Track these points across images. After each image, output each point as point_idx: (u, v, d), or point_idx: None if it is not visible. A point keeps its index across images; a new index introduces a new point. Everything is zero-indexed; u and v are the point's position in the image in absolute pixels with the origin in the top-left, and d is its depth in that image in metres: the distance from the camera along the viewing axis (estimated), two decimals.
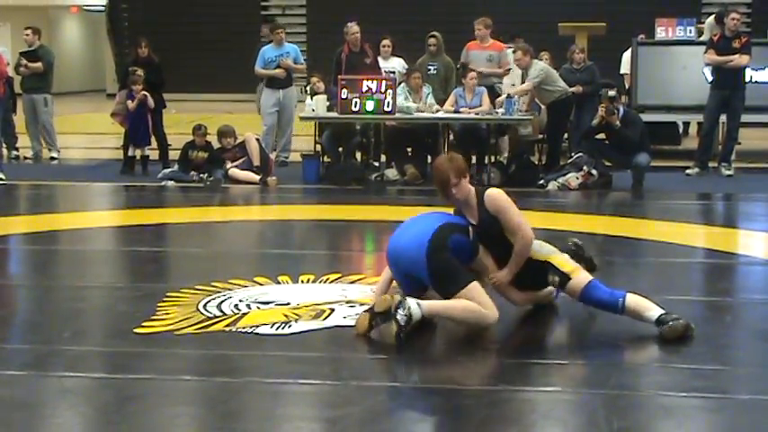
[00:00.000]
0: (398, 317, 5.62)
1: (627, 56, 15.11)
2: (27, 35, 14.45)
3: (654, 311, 5.89)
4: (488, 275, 6.15)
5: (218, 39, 22.55)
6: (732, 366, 5.54)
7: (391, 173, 12.45)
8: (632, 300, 5.95)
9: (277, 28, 14.07)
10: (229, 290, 6.80)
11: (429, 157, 12.82)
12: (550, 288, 6.18)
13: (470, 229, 6.10)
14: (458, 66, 13.23)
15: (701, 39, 14.32)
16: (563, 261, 6.07)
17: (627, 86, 14.74)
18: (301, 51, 14.18)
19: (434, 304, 5.83)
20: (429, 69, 13.06)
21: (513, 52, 12.53)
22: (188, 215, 10.30)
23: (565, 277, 5.99)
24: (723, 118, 12.95)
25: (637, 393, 5.03)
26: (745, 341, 6.14)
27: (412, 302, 5.70)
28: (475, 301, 5.79)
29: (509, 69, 13.20)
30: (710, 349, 5.77)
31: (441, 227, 5.98)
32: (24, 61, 14.22)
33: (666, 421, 4.66)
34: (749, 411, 4.76)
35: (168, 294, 6.67)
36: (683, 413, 4.73)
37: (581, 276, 6.00)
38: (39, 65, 14.20)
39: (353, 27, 13.00)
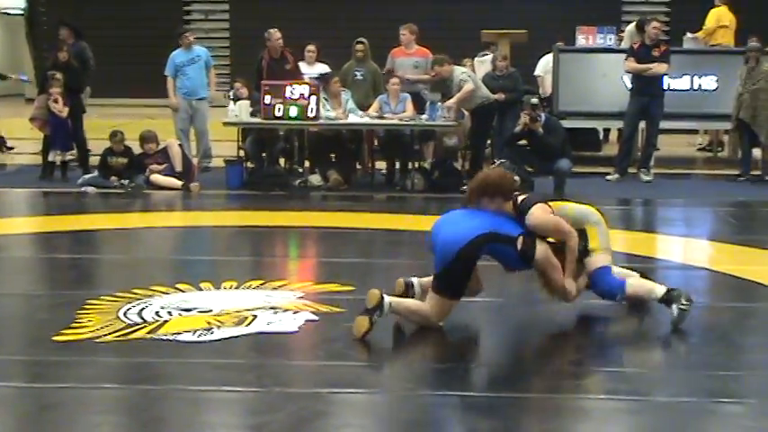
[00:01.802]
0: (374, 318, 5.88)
1: (544, 60, 15.25)
2: None
3: (658, 290, 6.33)
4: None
5: (141, 43, 22.35)
6: (651, 369, 5.62)
7: (315, 179, 12.43)
8: (631, 289, 6.38)
9: (184, 32, 13.94)
10: (150, 297, 6.74)
11: (357, 164, 12.89)
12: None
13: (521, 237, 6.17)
14: (384, 72, 13.25)
15: (622, 46, 14.52)
16: (595, 235, 6.37)
17: (540, 89, 14.83)
18: (225, 56, 14.09)
19: (399, 300, 6.12)
20: (356, 75, 13.07)
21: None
22: (108, 221, 10.18)
23: (585, 251, 6.33)
24: (642, 125, 13.15)
25: (555, 396, 5.08)
26: (664, 344, 6.24)
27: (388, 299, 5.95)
28: (433, 309, 6.03)
29: (435, 75, 13.21)
30: (629, 352, 5.85)
31: (482, 236, 6.04)
32: None
33: (586, 423, 4.72)
34: (668, 413, 4.84)
35: (88, 302, 6.59)
36: (601, 416, 4.80)
37: (599, 257, 6.34)
38: None
39: (276, 33, 12.94)
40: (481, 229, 6.03)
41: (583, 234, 6.37)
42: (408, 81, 12.80)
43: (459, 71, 12.17)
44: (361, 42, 13.18)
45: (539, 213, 6.24)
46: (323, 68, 13.27)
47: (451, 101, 11.88)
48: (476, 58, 14.92)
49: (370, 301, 5.93)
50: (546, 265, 6.18)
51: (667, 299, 6.27)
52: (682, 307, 6.18)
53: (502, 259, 6.21)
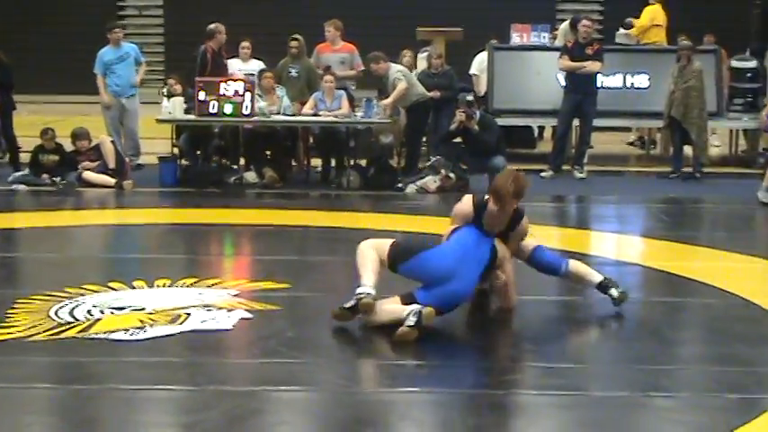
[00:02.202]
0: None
1: (478, 58, 15.30)
2: None
3: (595, 277, 6.60)
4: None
5: (74, 39, 22.08)
6: (585, 364, 5.68)
7: (250, 176, 12.35)
8: (575, 265, 6.63)
9: (113, 27, 13.78)
10: (82, 296, 6.65)
11: (292, 161, 12.85)
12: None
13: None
14: (320, 69, 13.21)
15: (556, 44, 14.62)
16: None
17: (475, 87, 14.88)
18: (159, 53, 13.96)
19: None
20: (290, 72, 13.01)
21: None
22: (40, 220, 10.04)
23: None
24: (576, 122, 13.25)
25: (491, 392, 5.11)
26: (597, 340, 6.31)
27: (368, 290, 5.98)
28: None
29: (363, 71, 13.19)
30: (564, 348, 5.90)
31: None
32: None
33: (520, 418, 4.75)
34: (601, 408, 4.89)
35: (18, 301, 6.49)
36: (536, 411, 4.83)
37: (528, 241, 6.60)
38: None
39: (222, 27, 12.90)
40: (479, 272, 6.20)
41: None
42: (335, 77, 12.79)
43: (395, 69, 12.18)
44: (296, 39, 13.12)
45: (525, 221, 6.58)
46: (258, 65, 13.21)
47: (387, 101, 11.89)
48: (418, 54, 14.95)
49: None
50: (504, 259, 6.37)
51: (605, 285, 6.55)
52: (620, 290, 6.51)
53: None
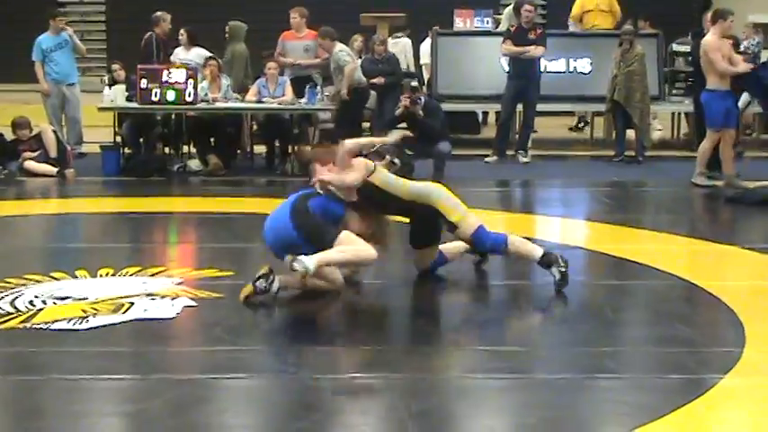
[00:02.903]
0: (257, 284, 6.14)
1: (425, 46, 15.33)
2: None
3: (537, 252, 6.65)
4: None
5: (14, 27, 21.79)
6: (528, 347, 5.71)
7: (194, 163, 12.28)
8: (513, 246, 6.67)
9: (57, 15, 13.65)
10: (24, 286, 6.58)
11: (237, 148, 12.80)
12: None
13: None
14: (262, 55, 13.17)
15: (499, 29, 14.67)
16: (447, 207, 6.66)
17: (425, 75, 14.94)
18: (101, 41, 13.85)
19: (318, 255, 6.07)
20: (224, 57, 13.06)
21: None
22: None
23: (451, 225, 6.63)
24: (520, 107, 13.31)
25: (435, 376, 5.13)
26: (539, 322, 6.35)
27: (306, 259, 5.99)
28: (351, 246, 6.20)
29: (327, 58, 13.17)
30: (508, 331, 5.94)
31: (298, 197, 6.42)
32: None
33: (464, 402, 4.76)
34: (544, 390, 4.92)
35: None
36: (480, 394, 4.85)
37: (467, 222, 6.65)
38: None
39: (167, 15, 12.88)
40: (293, 198, 6.50)
41: (441, 218, 6.67)
42: (300, 66, 12.78)
43: (338, 48, 12.19)
44: (229, 25, 13.22)
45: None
46: (200, 53, 13.10)
47: (342, 88, 11.95)
48: (390, 40, 15.00)
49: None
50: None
51: (547, 261, 6.62)
52: (561, 269, 6.55)
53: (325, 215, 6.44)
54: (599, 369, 5.17)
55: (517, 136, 13.58)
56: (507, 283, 7.22)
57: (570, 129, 16.41)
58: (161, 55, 12.76)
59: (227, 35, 13.06)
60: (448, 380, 5.08)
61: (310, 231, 6.22)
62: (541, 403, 4.74)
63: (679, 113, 15.04)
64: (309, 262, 6.00)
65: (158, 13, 12.98)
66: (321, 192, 6.47)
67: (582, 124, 16.55)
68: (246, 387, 4.99)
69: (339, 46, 12.34)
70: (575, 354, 5.51)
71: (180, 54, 12.97)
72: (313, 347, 5.56)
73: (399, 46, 14.85)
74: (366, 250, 6.22)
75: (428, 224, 6.73)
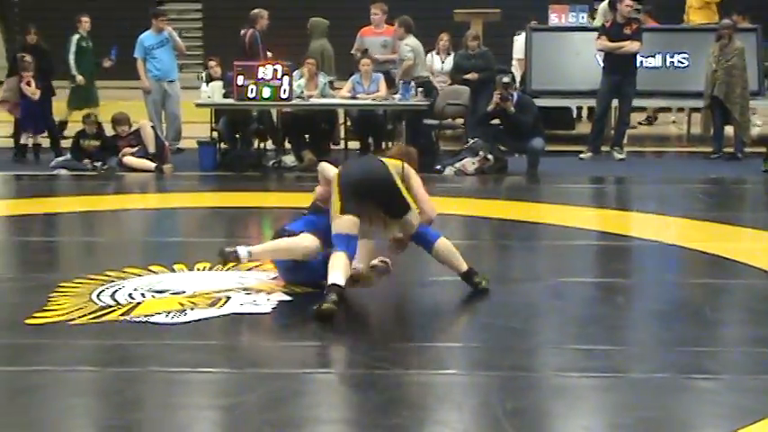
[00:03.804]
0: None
1: (519, 42, 15.26)
2: None
3: (463, 265, 6.40)
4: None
5: (112, 25, 22.17)
6: (625, 346, 5.65)
7: (289, 159, 12.39)
8: (444, 244, 6.38)
9: (161, 14, 13.87)
10: (123, 279, 6.71)
11: (331, 144, 12.88)
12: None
13: None
14: (352, 52, 13.25)
15: (595, 24, 14.52)
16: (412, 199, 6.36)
17: (519, 71, 14.86)
18: (197, 38, 14.05)
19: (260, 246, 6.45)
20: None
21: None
22: (81, 204, 10.12)
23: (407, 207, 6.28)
24: (615, 103, 13.16)
25: (531, 374, 5.10)
26: (637, 321, 6.27)
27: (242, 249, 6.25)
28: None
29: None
30: (604, 330, 5.87)
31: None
32: None
33: (559, 401, 4.73)
34: (641, 390, 4.86)
35: (61, 285, 6.55)
36: (575, 393, 4.81)
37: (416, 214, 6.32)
38: None
39: (265, 12, 13.15)
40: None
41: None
42: (377, 61, 12.83)
43: (405, 42, 12.51)
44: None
45: None
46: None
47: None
48: (514, 36, 15.07)
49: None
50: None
51: (468, 276, 6.41)
52: (483, 284, 6.40)
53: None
54: (697, 369, 5.09)
55: (612, 132, 13.43)
56: (601, 280, 7.15)
57: (640, 123, 16.15)
58: (264, 51, 12.94)
59: (308, 31, 13.18)
60: (543, 378, 5.05)
61: None
62: (638, 403, 4.69)
63: None
64: (243, 251, 6.22)
65: (256, 11, 13.14)
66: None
67: (652, 119, 16.34)
68: (340, 382, 5.03)
69: (409, 39, 12.44)
70: (671, 353, 5.43)
71: None
72: (406, 344, 5.57)
73: (520, 43, 14.98)
74: (300, 242, 6.31)
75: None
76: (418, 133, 12.52)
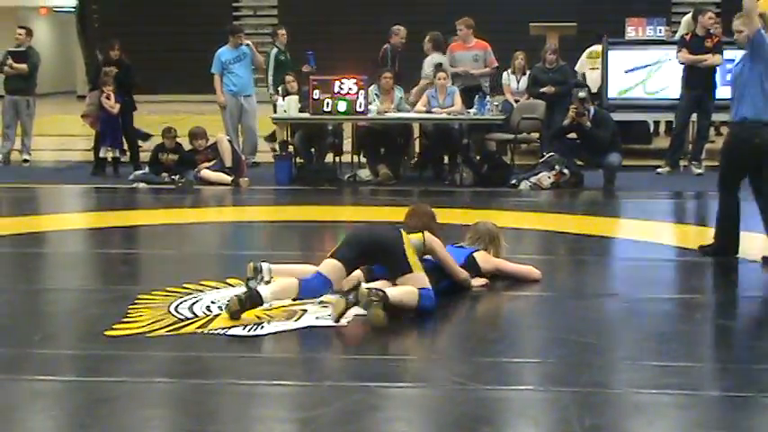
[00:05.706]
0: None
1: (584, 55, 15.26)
2: (20, 35, 14.11)
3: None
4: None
5: (189, 39, 22.48)
6: (703, 363, 5.57)
7: (364, 173, 12.44)
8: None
9: (239, 31, 14.02)
10: (201, 291, 6.78)
11: (406, 158, 12.91)
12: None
13: None
14: (433, 66, 13.28)
15: (676, 36, 14.35)
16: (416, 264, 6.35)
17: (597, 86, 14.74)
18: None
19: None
20: None
21: None
22: (159, 217, 10.25)
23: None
24: (694, 117, 12.99)
25: (608, 391, 5.05)
26: (715, 338, 6.18)
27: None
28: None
29: (496, 67, 13.26)
30: (681, 346, 5.80)
31: None
32: (10, 61, 13.94)
33: (637, 418, 4.68)
34: (719, 408, 4.80)
35: (139, 297, 6.64)
36: (653, 410, 4.75)
37: (419, 276, 6.27)
38: (24, 66, 13.87)
39: (402, 29, 13.49)
40: None
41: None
42: (471, 75, 12.88)
43: (429, 57, 12.85)
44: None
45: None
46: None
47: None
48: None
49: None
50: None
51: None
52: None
53: None
54: None
55: (691, 146, 13.27)
56: (680, 296, 7.06)
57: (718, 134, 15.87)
58: (395, 65, 13.09)
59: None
60: (621, 395, 5.00)
61: None
62: (716, 421, 4.62)
63: None
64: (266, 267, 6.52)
65: (395, 27, 13.44)
66: None
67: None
68: (416, 396, 5.02)
69: (432, 55, 12.59)
70: (751, 371, 5.33)
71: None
72: (482, 359, 5.55)
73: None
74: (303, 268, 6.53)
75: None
76: (486, 148, 12.57)
